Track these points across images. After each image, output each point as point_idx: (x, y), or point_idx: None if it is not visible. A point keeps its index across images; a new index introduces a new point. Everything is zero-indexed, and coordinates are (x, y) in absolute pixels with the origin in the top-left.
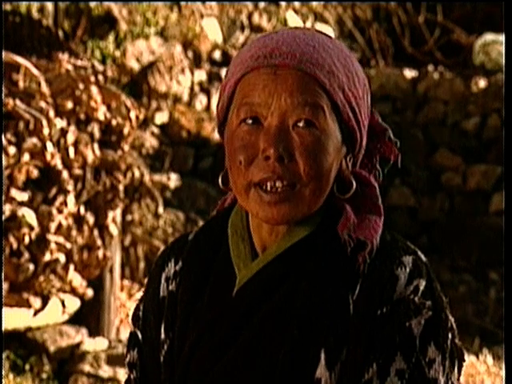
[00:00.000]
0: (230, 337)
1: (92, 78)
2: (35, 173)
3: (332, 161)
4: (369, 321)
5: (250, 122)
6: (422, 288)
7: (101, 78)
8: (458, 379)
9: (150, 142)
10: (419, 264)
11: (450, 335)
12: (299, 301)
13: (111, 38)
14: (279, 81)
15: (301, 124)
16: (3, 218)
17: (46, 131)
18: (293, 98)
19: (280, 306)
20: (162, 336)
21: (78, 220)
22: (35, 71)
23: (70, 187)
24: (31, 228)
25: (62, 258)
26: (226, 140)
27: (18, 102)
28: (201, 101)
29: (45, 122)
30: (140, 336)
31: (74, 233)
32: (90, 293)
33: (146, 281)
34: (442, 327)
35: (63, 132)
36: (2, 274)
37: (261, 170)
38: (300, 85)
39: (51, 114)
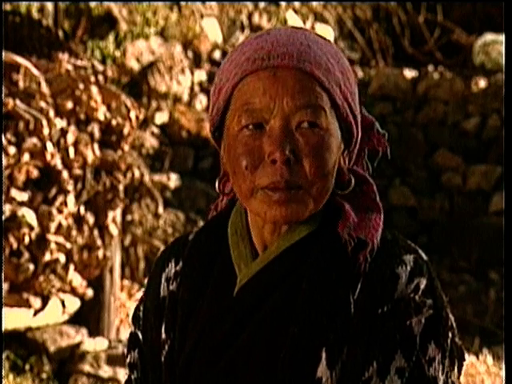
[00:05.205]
0: (231, 336)
1: (92, 78)
2: (35, 173)
3: (335, 159)
4: (369, 319)
5: (251, 127)
6: (422, 287)
7: (101, 78)
8: (459, 378)
9: (150, 142)
10: (420, 263)
11: (450, 334)
12: (300, 300)
13: (111, 37)
14: (279, 83)
15: (304, 125)
16: (3, 217)
17: (46, 131)
18: (294, 101)
19: (281, 306)
20: (163, 336)
21: (78, 220)
22: (35, 71)
23: (70, 187)
24: (31, 228)
25: (62, 258)
26: (227, 146)
27: (18, 102)
28: (201, 101)
29: (45, 122)
30: (140, 336)
31: (74, 233)
32: (89, 293)
33: (146, 281)
34: (443, 326)
35: (63, 132)
36: (2, 274)
37: (268, 174)
38: (300, 86)
39: (51, 114)
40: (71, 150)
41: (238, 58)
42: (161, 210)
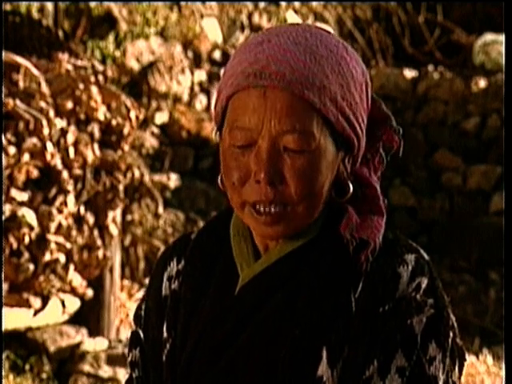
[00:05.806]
0: (232, 335)
1: (92, 78)
2: (35, 173)
3: (325, 178)
4: (371, 318)
5: (241, 145)
6: (423, 286)
7: (101, 78)
8: (459, 378)
9: (150, 141)
10: (421, 262)
11: (451, 334)
12: (301, 299)
13: (111, 37)
14: (268, 105)
15: (290, 148)
16: (3, 217)
17: (46, 131)
18: (281, 125)
19: (282, 306)
20: (165, 335)
21: (78, 220)
22: (35, 71)
23: (70, 187)
24: (31, 228)
25: (62, 258)
26: (222, 153)
27: (18, 102)
28: (201, 101)
29: (45, 122)
30: (142, 335)
31: (74, 233)
32: (89, 293)
33: (147, 280)
34: (444, 325)
35: (63, 132)
36: (2, 274)
37: (253, 192)
38: (288, 109)
39: (51, 114)
40: (71, 150)
41: (236, 66)
42: (161, 210)
